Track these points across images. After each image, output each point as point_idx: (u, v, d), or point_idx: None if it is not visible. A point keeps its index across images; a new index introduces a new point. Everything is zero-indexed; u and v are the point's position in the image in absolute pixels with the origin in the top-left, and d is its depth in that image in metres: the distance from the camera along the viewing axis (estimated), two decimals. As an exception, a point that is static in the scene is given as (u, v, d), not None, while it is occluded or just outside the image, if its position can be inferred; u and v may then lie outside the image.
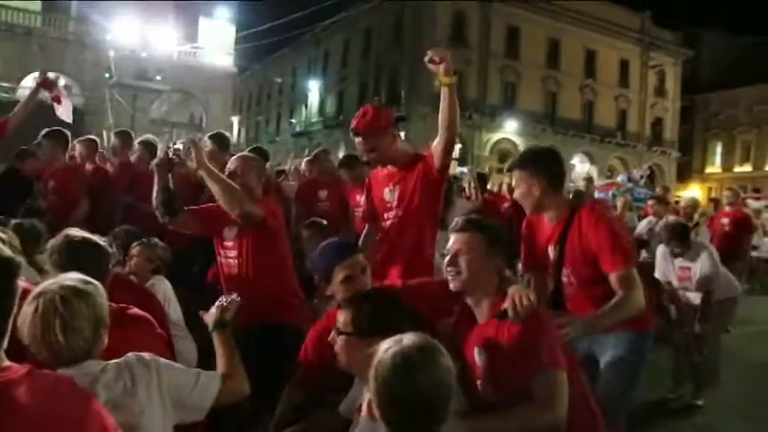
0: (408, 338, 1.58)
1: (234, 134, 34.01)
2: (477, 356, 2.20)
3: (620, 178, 13.13)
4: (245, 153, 3.92)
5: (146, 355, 1.81)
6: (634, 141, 42.18)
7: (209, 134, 5.48)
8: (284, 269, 3.56)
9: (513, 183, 3.44)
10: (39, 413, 1.29)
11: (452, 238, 2.30)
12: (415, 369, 1.52)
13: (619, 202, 9.35)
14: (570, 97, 40.43)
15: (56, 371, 1.61)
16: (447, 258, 2.28)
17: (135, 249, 3.57)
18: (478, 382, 2.20)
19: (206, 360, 2.49)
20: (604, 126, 41.28)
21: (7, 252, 1.33)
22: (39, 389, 1.32)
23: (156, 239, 3.78)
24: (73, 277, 1.69)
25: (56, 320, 1.59)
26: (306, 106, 45.52)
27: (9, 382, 1.29)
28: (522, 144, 37.62)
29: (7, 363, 1.33)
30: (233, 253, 3.43)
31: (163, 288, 3.55)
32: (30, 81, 24.45)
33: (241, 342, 3.29)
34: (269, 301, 3.36)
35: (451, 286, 2.25)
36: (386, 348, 1.56)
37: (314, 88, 44.27)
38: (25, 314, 1.57)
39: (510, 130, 37.57)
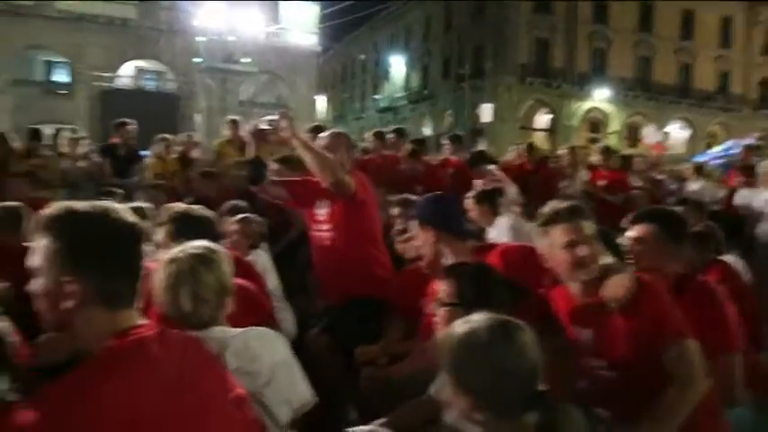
0: (486, 316, 1.54)
1: (319, 112, 34.50)
2: (579, 334, 2.15)
3: (726, 145, 12.08)
4: (336, 129, 3.97)
5: (269, 330, 1.86)
6: (738, 105, 39.48)
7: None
8: (374, 242, 3.60)
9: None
10: (172, 369, 1.34)
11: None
12: (494, 347, 1.48)
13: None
14: (665, 61, 38.27)
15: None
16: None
17: (233, 225, 3.68)
18: (587, 360, 2.15)
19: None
20: (703, 90, 38.87)
21: (131, 218, 1.40)
22: (171, 346, 1.38)
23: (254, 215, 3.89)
24: (201, 245, 1.76)
25: (185, 287, 1.66)
26: (390, 82, 45.53)
27: (143, 338, 1.35)
28: (613, 113, 36.10)
29: (140, 321, 1.40)
30: (325, 226, 3.50)
31: (261, 261, 3.65)
32: (127, 69, 25.74)
33: (331, 313, 3.36)
34: (359, 274, 3.42)
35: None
36: (462, 325, 1.53)
37: (397, 64, 44.15)
38: (157, 279, 1.65)
39: (600, 98, 36.10)
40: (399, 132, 7.26)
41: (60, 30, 24.37)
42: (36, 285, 1.38)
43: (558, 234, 2.13)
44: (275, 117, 3.24)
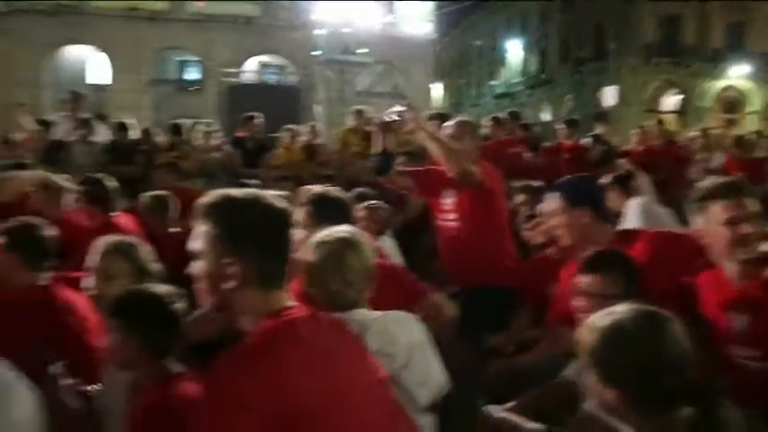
0: (632, 307, 1.48)
1: (435, 100, 34.46)
2: (733, 320, 2.02)
3: None
4: (461, 118, 3.96)
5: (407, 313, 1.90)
6: None
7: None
8: (501, 231, 3.56)
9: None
10: (321, 350, 1.41)
11: None
12: (641, 338, 1.42)
13: None
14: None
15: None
16: None
17: (362, 211, 3.77)
18: (733, 347, 2.02)
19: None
20: None
21: (281, 203, 1.48)
22: (320, 327, 1.45)
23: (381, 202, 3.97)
24: (346, 229, 1.84)
25: (333, 270, 1.74)
26: (506, 67, 44.61)
27: (295, 319, 1.43)
28: (753, 90, 33.26)
29: (291, 303, 1.48)
30: (451, 215, 3.50)
31: (388, 247, 3.71)
32: (251, 64, 27.01)
33: (459, 303, 3.36)
34: (485, 263, 3.39)
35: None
36: (607, 317, 1.48)
37: (513, 48, 43.16)
38: (305, 261, 1.74)
39: (737, 75, 33.35)
40: (513, 115, 7.16)
41: (192, 31, 26.02)
42: (197, 268, 1.48)
43: (719, 210, 2.01)
44: (401, 109, 3.29)
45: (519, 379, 2.59)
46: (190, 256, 1.47)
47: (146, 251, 2.44)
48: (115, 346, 1.98)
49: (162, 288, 2.05)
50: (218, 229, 1.44)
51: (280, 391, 1.30)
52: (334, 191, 2.54)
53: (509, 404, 2.24)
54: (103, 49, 26.20)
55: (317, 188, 2.52)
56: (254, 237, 1.43)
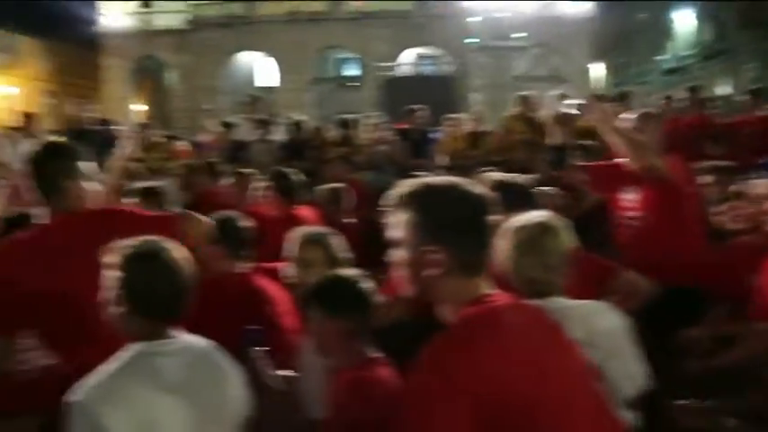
0: None
1: (595, 80, 32.76)
2: None
3: None
4: (647, 110, 3.75)
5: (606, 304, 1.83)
6: None
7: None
8: (688, 227, 3.32)
9: None
10: (525, 338, 1.39)
11: None
12: None
13: None
14: None
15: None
16: None
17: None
18: None
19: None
20: None
21: (479, 189, 1.48)
22: (523, 315, 1.43)
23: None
24: (543, 214, 1.82)
25: (533, 255, 1.72)
26: (674, 40, 41.29)
27: (498, 307, 1.42)
28: None
29: (491, 290, 1.47)
30: (633, 212, 3.34)
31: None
32: (407, 57, 27.45)
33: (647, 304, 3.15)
34: (675, 263, 3.17)
35: None
36: None
37: (682, 18, 39.79)
38: (502, 247, 1.74)
39: None
40: (692, 90, 6.62)
41: (349, 29, 26.99)
42: (398, 255, 1.51)
43: None
44: (582, 101, 3.19)
45: (722, 378, 2.40)
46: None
47: (337, 240, 2.57)
48: (315, 330, 2.09)
49: (355, 273, 2.13)
50: (419, 216, 1.45)
51: (489, 380, 1.30)
52: (517, 177, 2.52)
53: (710, 403, 2.08)
54: (270, 53, 28.03)
55: (498, 175, 2.50)
56: (455, 224, 1.44)
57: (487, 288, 1.47)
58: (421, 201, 1.47)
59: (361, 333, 2.06)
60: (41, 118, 7.27)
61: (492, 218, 1.48)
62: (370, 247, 2.76)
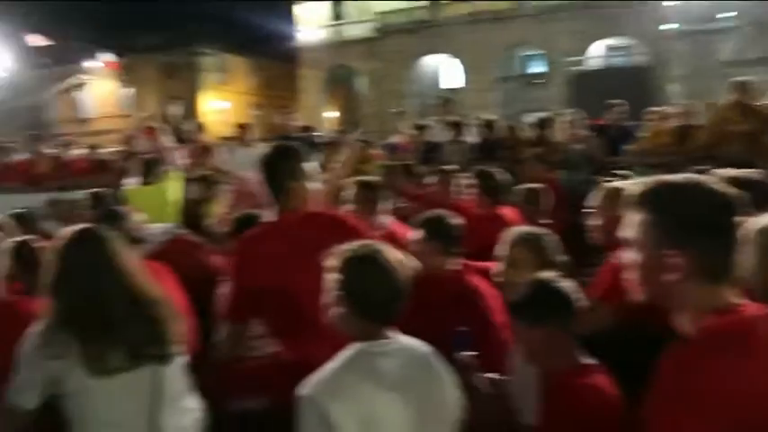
0: None
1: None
2: None
3: None
4: None
5: None
6: None
7: None
8: None
9: None
10: None
11: None
12: None
13: None
14: None
15: None
16: None
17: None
18: None
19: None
20: None
21: (726, 188, 1.36)
22: None
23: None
24: None
25: None
26: None
27: (751, 317, 1.31)
28: None
29: (740, 299, 1.36)
30: None
31: None
32: (596, 50, 26.12)
33: None
34: None
35: None
36: None
37: None
38: (747, 251, 1.59)
39: None
40: None
41: (535, 25, 26.39)
42: (631, 257, 1.44)
43: None
44: None
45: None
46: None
47: (552, 242, 2.51)
48: (522, 338, 2.06)
49: (558, 278, 2.07)
50: (658, 217, 1.37)
51: (741, 399, 1.20)
52: (753, 173, 2.28)
53: None
54: (454, 55, 28.30)
55: (736, 171, 2.27)
56: (699, 225, 1.33)
57: (734, 297, 1.35)
58: (659, 200, 1.38)
59: (570, 339, 1.99)
60: (253, 128, 8.01)
61: (739, 219, 1.36)
62: (571, 248, 2.68)
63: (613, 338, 2.33)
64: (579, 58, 25.11)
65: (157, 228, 3.88)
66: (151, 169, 5.66)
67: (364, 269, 1.79)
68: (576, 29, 25.60)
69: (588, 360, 1.99)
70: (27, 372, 1.98)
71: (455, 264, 2.80)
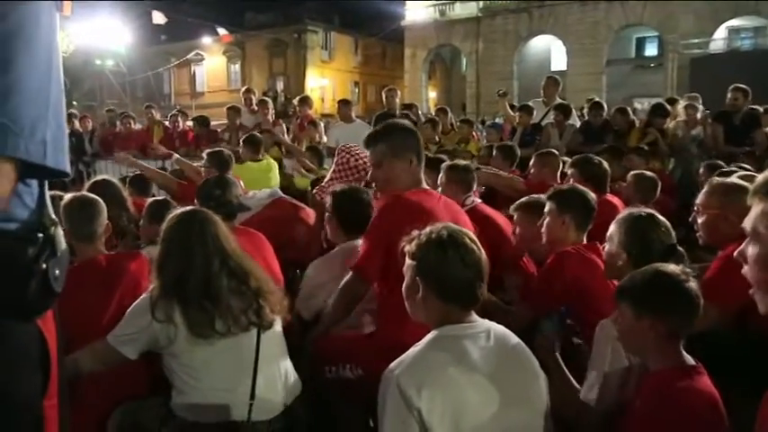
0: None
1: None
2: None
3: None
4: None
5: None
6: None
7: None
8: None
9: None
10: None
11: None
12: None
13: None
14: None
15: None
16: None
17: None
18: None
19: None
20: None
21: None
22: None
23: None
24: None
25: None
26: None
27: None
28: None
29: None
30: None
31: None
32: (719, 32, 24.27)
33: None
34: None
35: None
36: None
37: None
38: None
39: None
40: None
41: (652, 5, 24.91)
42: (751, 251, 1.32)
43: None
44: None
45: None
46: None
47: (666, 227, 2.36)
48: (625, 327, 1.95)
49: (675, 267, 1.94)
50: None
51: None
52: None
53: None
54: (563, 37, 27.30)
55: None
56: None
57: None
58: None
59: (679, 334, 1.86)
60: (353, 105, 8.10)
61: None
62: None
63: (715, 339, 2.20)
64: (698, 40, 23.51)
65: (261, 193, 4.05)
66: (257, 143, 5.83)
67: (445, 252, 1.77)
68: (699, 8, 23.93)
69: (694, 361, 1.87)
70: (134, 328, 2.14)
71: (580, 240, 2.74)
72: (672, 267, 1.90)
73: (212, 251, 2.16)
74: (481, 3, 29.48)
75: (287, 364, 2.31)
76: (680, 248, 2.36)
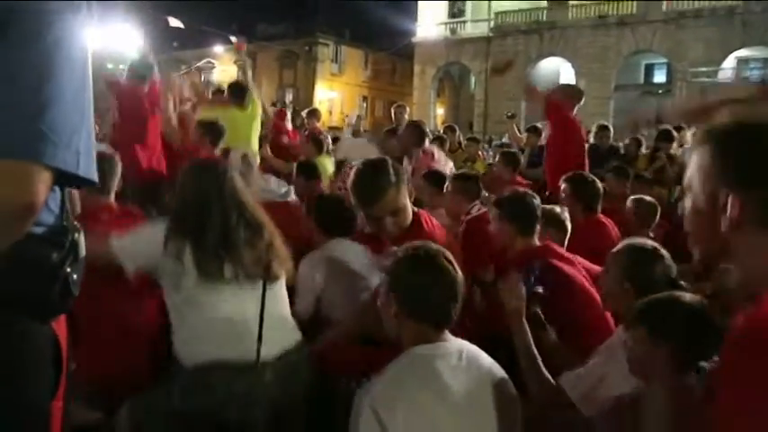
0: None
1: None
2: None
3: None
4: None
5: None
6: None
7: None
8: None
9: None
10: None
11: None
12: None
13: None
14: None
15: None
16: None
17: None
18: None
19: None
20: None
21: None
22: None
23: None
24: None
25: None
26: None
27: None
28: None
29: None
30: None
31: None
32: (728, 62, 24.41)
33: None
34: None
35: None
36: None
37: None
38: None
39: None
40: None
41: (662, 32, 25.08)
42: (686, 203, 1.29)
43: None
44: None
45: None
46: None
47: (669, 260, 2.36)
48: (634, 351, 1.93)
49: (691, 296, 1.94)
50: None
51: None
52: None
53: None
54: (572, 59, 27.44)
55: None
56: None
57: None
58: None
59: (692, 364, 1.84)
60: (361, 119, 8.13)
61: None
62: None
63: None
64: (707, 69, 23.64)
65: (278, 186, 4.03)
66: (242, 90, 5.72)
67: (418, 270, 1.75)
68: (708, 37, 24.09)
69: (697, 383, 1.86)
70: (144, 247, 2.15)
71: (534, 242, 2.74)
72: (689, 296, 1.90)
73: (230, 205, 2.17)
74: (492, 23, 29.72)
75: (290, 319, 2.32)
76: (682, 283, 2.36)
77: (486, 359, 1.83)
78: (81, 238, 1.14)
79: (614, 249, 2.41)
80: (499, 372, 1.83)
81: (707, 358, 1.82)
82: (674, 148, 6.46)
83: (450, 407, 1.66)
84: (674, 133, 6.61)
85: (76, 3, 1.03)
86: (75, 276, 1.10)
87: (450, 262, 1.78)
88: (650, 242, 2.41)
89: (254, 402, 2.09)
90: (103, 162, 2.55)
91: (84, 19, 1.06)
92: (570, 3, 27.68)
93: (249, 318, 2.13)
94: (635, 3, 25.90)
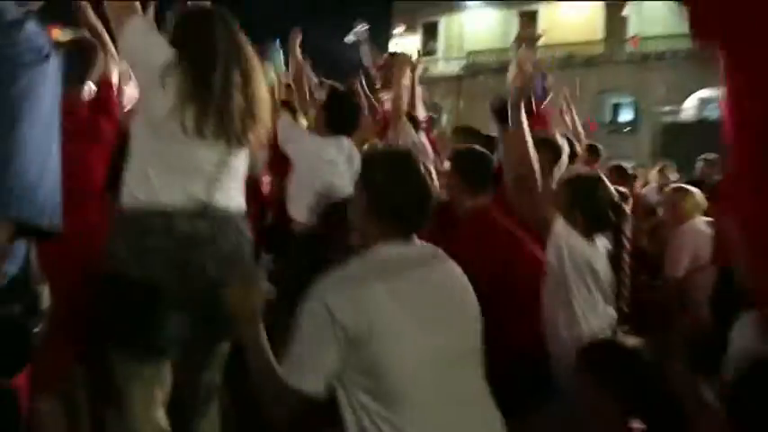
0: None
1: None
2: None
3: None
4: None
5: None
6: None
7: None
8: None
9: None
10: None
11: None
12: None
13: None
14: None
15: None
16: None
17: None
18: None
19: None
20: None
21: None
22: None
23: None
24: None
25: None
26: None
27: None
28: None
29: None
30: None
31: None
32: (690, 101, 25.18)
33: None
34: None
35: None
36: None
37: None
38: None
39: None
40: None
41: (627, 72, 25.80)
42: None
43: None
44: None
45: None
46: None
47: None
48: (580, 396, 1.91)
49: (632, 340, 1.94)
50: None
51: None
52: None
53: None
54: (543, 98, 28.02)
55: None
56: None
57: None
58: None
59: (636, 413, 1.82)
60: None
61: None
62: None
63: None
64: (671, 108, 24.29)
65: None
66: None
67: (390, 167, 1.72)
68: (671, 78, 24.83)
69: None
70: (153, 46, 2.00)
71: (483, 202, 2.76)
72: (630, 340, 1.91)
73: (234, 59, 2.04)
74: (464, 61, 30.19)
75: (241, 193, 2.18)
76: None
77: (446, 261, 1.80)
78: (44, 290, 1.12)
79: (560, 180, 2.50)
80: (459, 273, 1.80)
81: (651, 403, 1.81)
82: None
83: (409, 306, 1.60)
84: (629, 171, 6.78)
85: (49, 50, 1.02)
86: (35, 330, 1.07)
87: (426, 168, 1.76)
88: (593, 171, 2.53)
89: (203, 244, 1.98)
90: (82, 52, 2.53)
91: (55, 64, 1.05)
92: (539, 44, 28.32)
93: (207, 167, 2.02)
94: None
